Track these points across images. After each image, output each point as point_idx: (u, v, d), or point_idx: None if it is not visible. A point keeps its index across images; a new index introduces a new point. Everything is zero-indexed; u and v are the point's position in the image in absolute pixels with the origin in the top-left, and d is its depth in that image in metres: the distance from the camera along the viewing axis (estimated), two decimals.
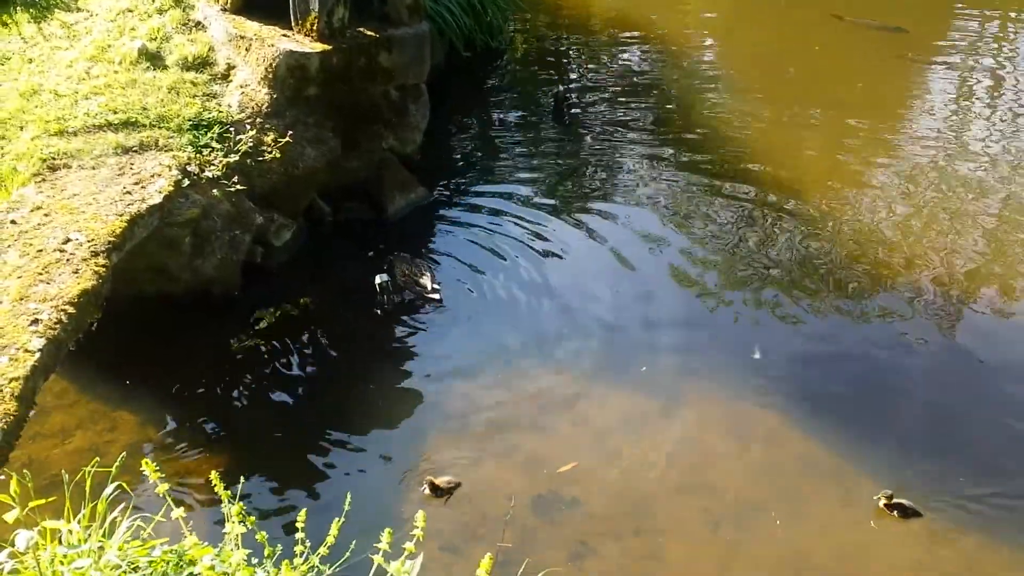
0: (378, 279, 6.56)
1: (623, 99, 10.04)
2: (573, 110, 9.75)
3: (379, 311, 6.63)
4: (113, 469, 3.30)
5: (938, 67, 11.13)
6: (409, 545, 2.79)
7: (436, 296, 6.73)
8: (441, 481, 5.29)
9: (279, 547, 3.44)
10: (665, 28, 12.04)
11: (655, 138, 9.24)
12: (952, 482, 5.47)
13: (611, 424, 5.85)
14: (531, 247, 7.46)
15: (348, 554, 3.52)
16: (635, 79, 10.55)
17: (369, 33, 7.25)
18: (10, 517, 2.97)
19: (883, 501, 5.26)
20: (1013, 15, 12.82)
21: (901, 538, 5.16)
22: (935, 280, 7.11)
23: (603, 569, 4.91)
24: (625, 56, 11.22)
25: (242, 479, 4.20)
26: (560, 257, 7.37)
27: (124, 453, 3.51)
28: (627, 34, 11.78)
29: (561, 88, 9.98)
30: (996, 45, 12.18)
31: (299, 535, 3.36)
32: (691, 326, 6.68)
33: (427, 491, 5.25)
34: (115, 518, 3.42)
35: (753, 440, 5.78)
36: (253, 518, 3.36)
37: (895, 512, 5.23)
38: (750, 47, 11.94)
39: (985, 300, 7.00)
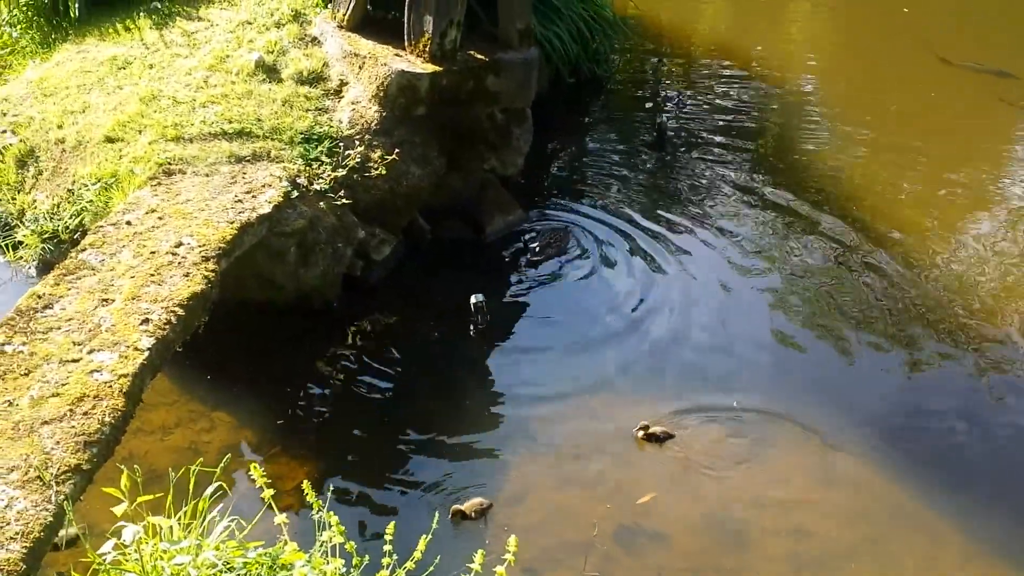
0: (473, 299, 6.62)
1: (722, 130, 9.98)
2: (672, 140, 9.74)
3: (472, 331, 6.71)
4: (218, 470, 3.41)
5: None
6: (500, 569, 2.84)
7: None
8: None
9: (367, 557, 3.51)
10: (768, 60, 11.94)
11: (752, 171, 9.17)
12: None
13: (698, 459, 5.80)
14: (624, 276, 7.47)
15: (431, 569, 3.59)
16: (735, 111, 10.48)
17: (479, 56, 7.35)
18: (119, 510, 3.09)
19: (641, 433, 5.75)
20: None
21: None
22: None
23: None
24: (726, 87, 11.15)
25: (331, 488, 4.31)
26: (653, 287, 7.35)
27: (229, 455, 3.62)
28: (729, 65, 11.69)
29: (664, 118, 9.98)
30: None
31: (386, 547, 3.42)
32: (782, 365, 6.62)
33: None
34: (213, 517, 3.53)
35: (842, 485, 5.69)
36: (343, 528, 3.45)
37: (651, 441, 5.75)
38: (853, 85, 11.77)
39: None
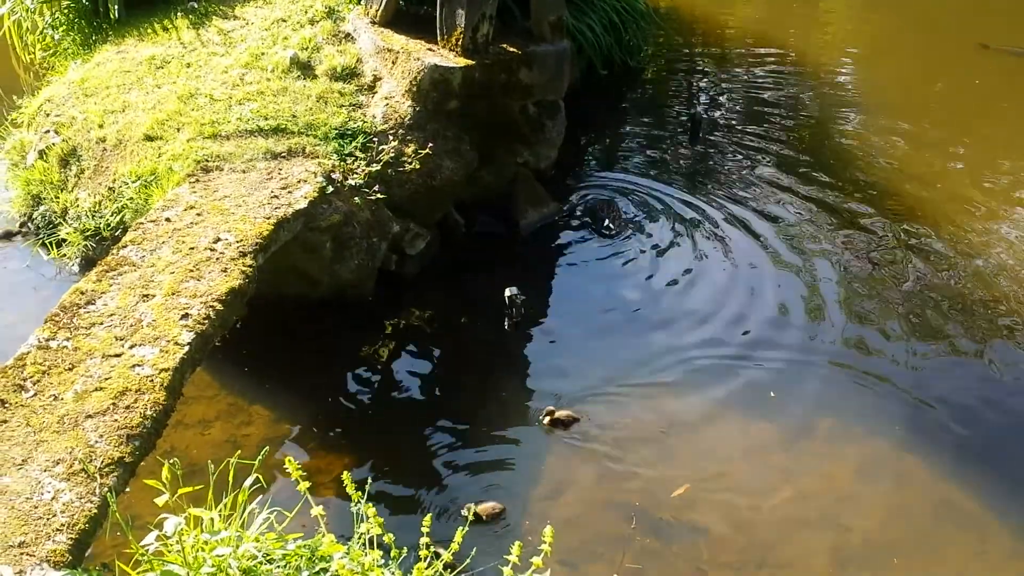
0: (508, 292, 6.65)
1: (758, 121, 9.95)
2: (707, 131, 9.71)
3: (507, 324, 6.73)
4: (256, 463, 3.46)
5: None
6: (536, 560, 2.86)
7: (611, 231, 7.83)
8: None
9: (405, 549, 3.55)
10: (804, 50, 11.88)
11: (789, 163, 9.12)
12: None
13: (738, 452, 5.80)
14: (660, 267, 7.47)
15: (468, 561, 3.62)
16: (771, 101, 10.43)
17: (511, 49, 7.36)
18: (160, 501, 3.15)
19: (547, 419, 5.80)
20: None
21: None
22: None
23: None
24: (761, 78, 11.09)
25: (369, 480, 4.35)
26: (689, 278, 7.35)
27: (267, 447, 3.67)
28: (764, 55, 11.64)
29: (699, 109, 9.95)
30: None
31: (424, 540, 3.46)
32: (821, 357, 6.58)
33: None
34: (252, 509, 3.58)
35: (885, 479, 5.65)
36: (381, 519, 3.48)
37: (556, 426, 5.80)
38: (890, 74, 11.66)
39: None
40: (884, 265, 7.54)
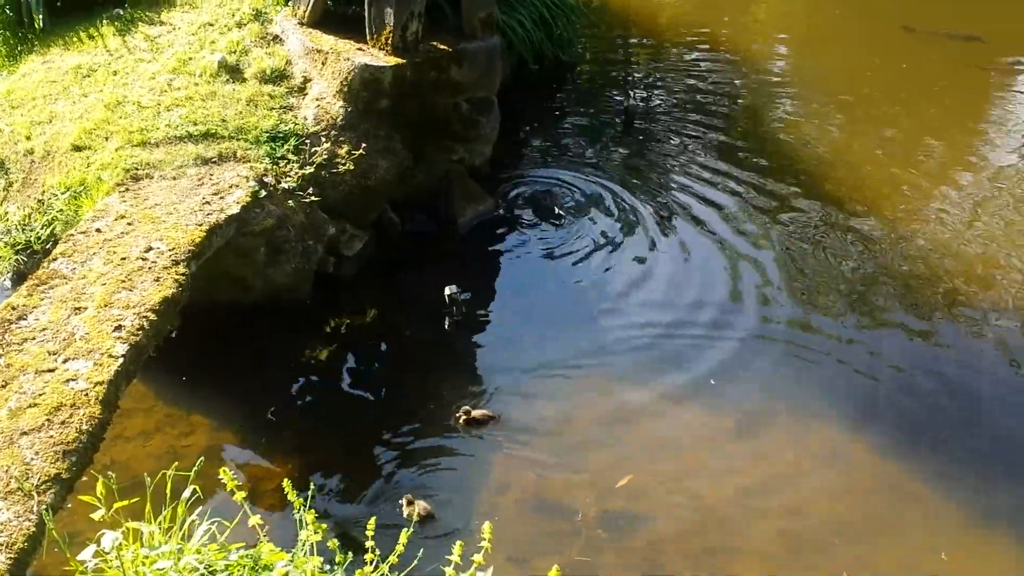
0: (447, 290, 6.64)
1: (694, 109, 10.05)
2: (639, 123, 9.78)
3: (448, 322, 6.73)
4: (192, 473, 3.42)
5: (1020, 77, 10.96)
6: (478, 557, 2.87)
7: (560, 221, 7.91)
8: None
9: (350, 554, 3.53)
10: (736, 38, 12.00)
11: (727, 149, 9.23)
12: None
13: (682, 440, 5.86)
14: (598, 259, 7.51)
15: (416, 561, 3.61)
16: (705, 91, 10.54)
17: (442, 47, 7.35)
18: (97, 516, 3.10)
19: (463, 418, 5.78)
20: None
21: (984, 564, 5.10)
22: (1016, 300, 7.02)
23: None
24: (695, 68, 11.21)
25: (312, 486, 4.32)
26: (627, 269, 7.41)
27: (202, 458, 3.63)
28: (698, 46, 11.77)
29: (632, 101, 10.01)
30: None
31: (369, 543, 3.44)
32: (760, 342, 6.66)
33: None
34: (193, 521, 3.54)
35: (833, 460, 5.74)
36: (324, 525, 3.46)
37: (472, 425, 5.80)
38: (820, 59, 11.84)
39: None
40: (824, 246, 7.67)
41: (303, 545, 3.47)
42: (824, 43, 12.40)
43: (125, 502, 3.26)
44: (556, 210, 7.99)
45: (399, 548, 3.40)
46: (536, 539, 5.12)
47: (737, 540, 5.18)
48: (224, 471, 3.26)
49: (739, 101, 10.38)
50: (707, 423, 5.98)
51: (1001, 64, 11.21)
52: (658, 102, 10.42)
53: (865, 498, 5.49)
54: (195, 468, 3.48)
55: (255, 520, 3.24)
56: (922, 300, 7.05)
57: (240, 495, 3.28)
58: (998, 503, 5.43)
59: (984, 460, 5.73)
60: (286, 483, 3.56)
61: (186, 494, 3.50)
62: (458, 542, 2.99)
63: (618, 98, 10.47)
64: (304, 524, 3.34)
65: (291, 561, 3.32)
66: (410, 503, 5.22)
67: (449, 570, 2.93)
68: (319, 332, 6.61)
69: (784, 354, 6.57)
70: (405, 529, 3.50)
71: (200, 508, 3.65)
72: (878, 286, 7.20)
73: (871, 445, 5.83)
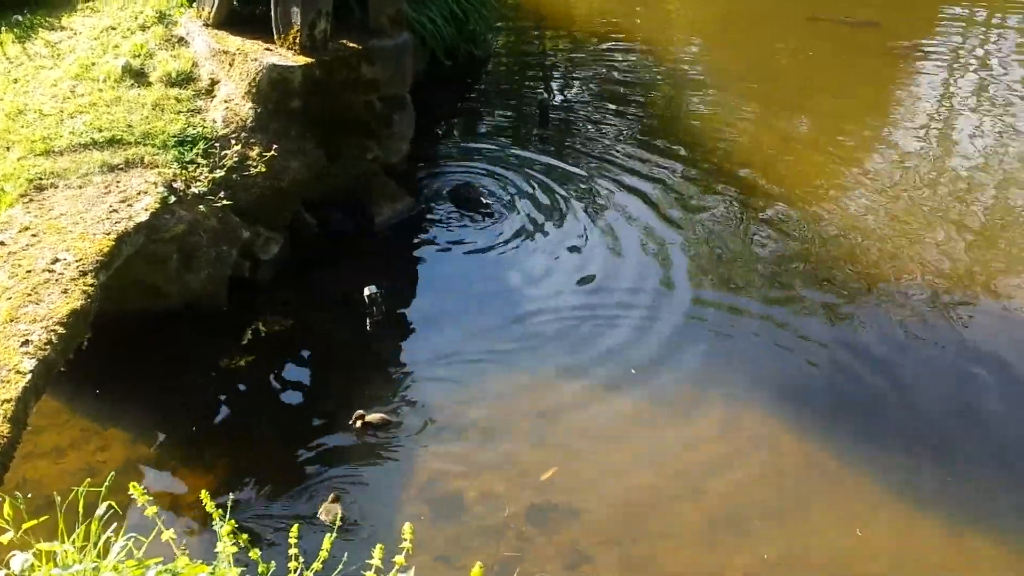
0: (367, 290, 6.57)
1: (608, 103, 10.11)
2: (555, 118, 9.80)
3: (369, 323, 6.65)
4: (103, 489, 3.32)
5: (922, 62, 11.28)
6: (399, 558, 2.83)
7: (489, 209, 7.94)
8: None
9: (272, 564, 3.46)
10: (648, 32, 12.12)
11: (641, 141, 9.30)
12: (952, 480, 5.52)
13: (605, 431, 5.87)
14: (518, 254, 7.51)
15: (340, 566, 3.55)
16: (620, 83, 10.61)
17: (351, 45, 7.27)
18: (4, 539, 2.99)
19: (358, 423, 5.71)
20: None
21: (898, 539, 5.20)
22: (927, 280, 7.16)
23: None
24: (609, 60, 11.28)
25: (231, 496, 4.24)
26: (548, 263, 7.42)
27: (113, 473, 3.53)
28: (611, 38, 11.85)
29: (545, 95, 10.02)
30: (978, 35, 12.36)
31: (292, 551, 3.37)
32: (680, 330, 6.71)
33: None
34: (108, 538, 3.44)
35: (748, 444, 5.81)
36: (246, 536, 3.38)
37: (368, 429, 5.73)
38: (732, 49, 12.04)
39: (976, 299, 7.03)
40: (743, 231, 7.79)
41: (225, 556, 3.39)
42: (734, 33, 12.59)
43: (35, 521, 3.16)
44: (482, 200, 8.00)
45: (323, 554, 3.34)
46: (464, 537, 5.09)
47: (663, 527, 5.22)
48: (134, 486, 3.16)
49: (655, 91, 10.49)
50: (630, 414, 6.01)
51: (900, 47, 11.50)
52: (575, 93, 10.47)
53: (788, 480, 5.56)
54: (106, 484, 3.38)
55: (168, 535, 3.15)
56: (840, 280, 7.18)
57: (152, 510, 3.18)
58: (916, 477, 5.54)
59: (903, 436, 5.84)
60: (204, 494, 3.48)
61: (100, 511, 3.40)
62: (379, 545, 2.94)
63: (535, 91, 10.48)
64: (221, 536, 3.26)
65: (212, 574, 3.24)
66: (335, 500, 5.17)
67: (369, 574, 2.88)
68: (237, 338, 6.49)
69: (708, 339, 6.65)
70: (329, 534, 3.44)
71: (116, 524, 3.56)
72: (797, 268, 7.33)
73: (789, 427, 5.91)
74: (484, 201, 8.02)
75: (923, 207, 8.11)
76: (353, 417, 5.76)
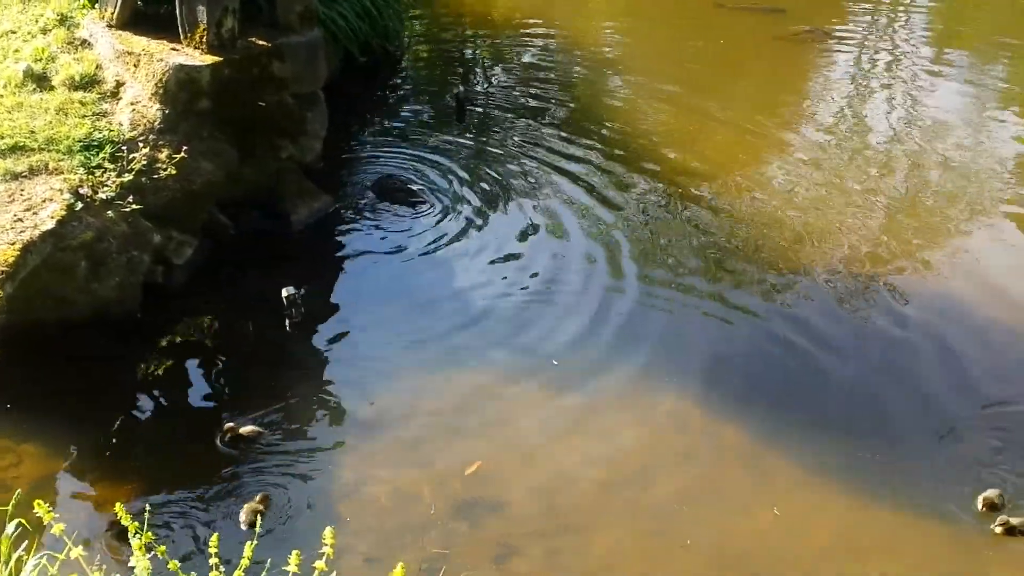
0: (284, 292, 6.47)
1: (527, 94, 10.16)
2: (476, 109, 9.78)
3: (288, 325, 6.55)
4: (10, 507, 3.22)
5: (830, 45, 11.58)
6: (320, 563, 2.78)
7: (417, 192, 8.01)
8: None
9: (193, 574, 3.39)
10: (565, 22, 12.23)
11: (561, 131, 9.34)
12: (865, 457, 5.61)
13: (529, 423, 5.87)
14: (438, 248, 7.46)
15: (264, 574, 3.49)
16: (539, 74, 10.66)
17: (260, 43, 7.14)
18: None
19: (228, 436, 5.50)
20: None
21: (815, 515, 5.29)
22: (843, 259, 7.32)
23: (528, 569, 4.90)
24: (528, 51, 11.34)
25: (148, 506, 4.14)
26: (467, 259, 7.39)
27: (19, 491, 3.42)
28: (528, 29, 11.90)
29: (462, 88, 9.99)
30: (883, 17, 12.67)
31: (212, 560, 3.30)
32: (601, 318, 6.73)
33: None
34: (20, 556, 3.34)
35: (670, 430, 5.85)
36: (163, 548, 3.31)
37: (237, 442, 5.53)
38: (648, 39, 12.20)
39: (893, 277, 7.20)
40: (663, 222, 7.85)
41: (144, 569, 3.31)
42: (649, 23, 12.75)
43: None
44: (412, 188, 8.05)
45: (244, 562, 3.28)
46: (392, 536, 5.04)
47: (586, 517, 5.23)
48: (39, 503, 3.06)
49: (575, 82, 10.59)
50: (553, 405, 6.02)
51: (800, 32, 11.74)
52: (494, 86, 10.47)
53: (705, 464, 5.63)
54: (13, 501, 3.27)
55: (76, 552, 3.06)
56: (755, 266, 7.29)
57: (59, 528, 3.08)
58: (826, 458, 5.63)
59: (821, 416, 5.95)
60: (119, 507, 3.39)
61: (9, 529, 3.30)
62: (295, 551, 2.88)
63: (454, 84, 10.44)
64: (147, 548, 3.18)
65: None
66: (262, 500, 5.10)
67: None
68: (153, 344, 6.35)
69: (630, 324, 6.68)
70: (249, 542, 3.37)
71: (28, 542, 3.46)
72: (724, 246, 7.49)
73: (710, 413, 5.97)
74: (413, 189, 8.03)
75: (844, 182, 8.34)
76: (223, 430, 5.57)
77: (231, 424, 5.58)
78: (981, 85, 10.78)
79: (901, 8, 13.46)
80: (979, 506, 5.22)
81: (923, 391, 6.17)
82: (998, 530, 5.06)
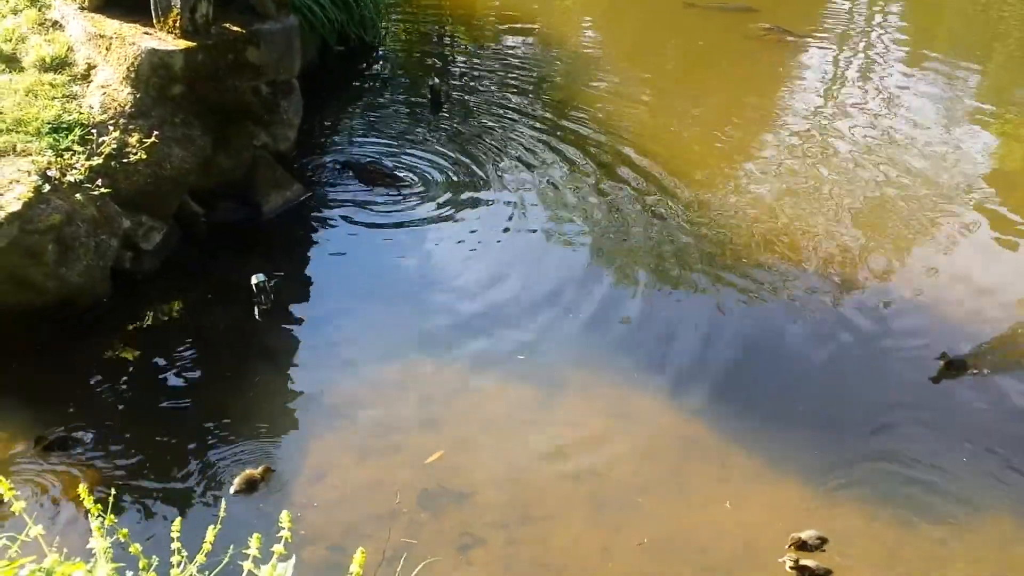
0: (254, 279, 6.44)
1: (505, 89, 10.16)
2: (452, 101, 9.77)
3: (257, 312, 6.53)
4: None
5: (801, 45, 11.69)
6: (278, 547, 2.77)
7: (402, 177, 8.13)
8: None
9: (155, 558, 3.37)
10: (545, 18, 12.24)
11: (537, 127, 9.36)
12: (831, 452, 5.67)
13: (495, 415, 5.89)
14: (411, 240, 7.46)
15: (227, 559, 3.47)
16: (517, 68, 10.66)
17: (235, 29, 7.09)
18: None
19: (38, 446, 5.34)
20: None
21: (791, 511, 5.31)
22: (818, 257, 7.38)
23: (490, 558, 4.94)
24: (506, 46, 11.36)
25: (113, 491, 4.11)
26: (441, 250, 7.40)
27: None
28: (508, 24, 11.93)
29: (437, 80, 9.98)
30: (856, 18, 12.78)
31: (174, 544, 3.28)
32: (570, 312, 6.77)
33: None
34: None
35: (634, 422, 5.89)
36: (125, 531, 3.28)
37: None
38: (624, 39, 12.24)
39: (866, 274, 7.28)
40: (639, 217, 7.88)
41: (105, 552, 3.29)
42: (624, 23, 12.83)
43: None
44: (397, 174, 8.15)
45: (206, 547, 3.26)
46: (357, 525, 5.05)
47: (547, 507, 5.26)
48: (1, 480, 3.03)
49: (554, 79, 10.61)
50: (519, 397, 6.03)
51: (774, 31, 11.81)
52: (471, 80, 10.47)
53: (665, 457, 5.66)
54: None
55: (37, 531, 3.03)
56: (728, 263, 7.33)
57: (19, 505, 3.06)
58: (785, 450, 5.68)
59: (783, 410, 6.01)
60: (82, 489, 3.36)
61: None
62: (256, 535, 2.87)
63: (430, 76, 10.42)
64: (109, 531, 3.15)
65: (90, 571, 3.13)
66: (264, 473, 5.18)
67: (247, 564, 2.81)
68: (121, 331, 6.32)
69: (590, 323, 6.69)
70: (212, 527, 3.36)
71: None
72: (687, 250, 7.46)
73: (671, 406, 6.01)
74: (398, 175, 8.10)
75: (813, 186, 8.38)
76: (34, 440, 5.43)
77: (40, 434, 5.41)
78: (952, 86, 10.89)
79: (876, 10, 13.58)
80: None
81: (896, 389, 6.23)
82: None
